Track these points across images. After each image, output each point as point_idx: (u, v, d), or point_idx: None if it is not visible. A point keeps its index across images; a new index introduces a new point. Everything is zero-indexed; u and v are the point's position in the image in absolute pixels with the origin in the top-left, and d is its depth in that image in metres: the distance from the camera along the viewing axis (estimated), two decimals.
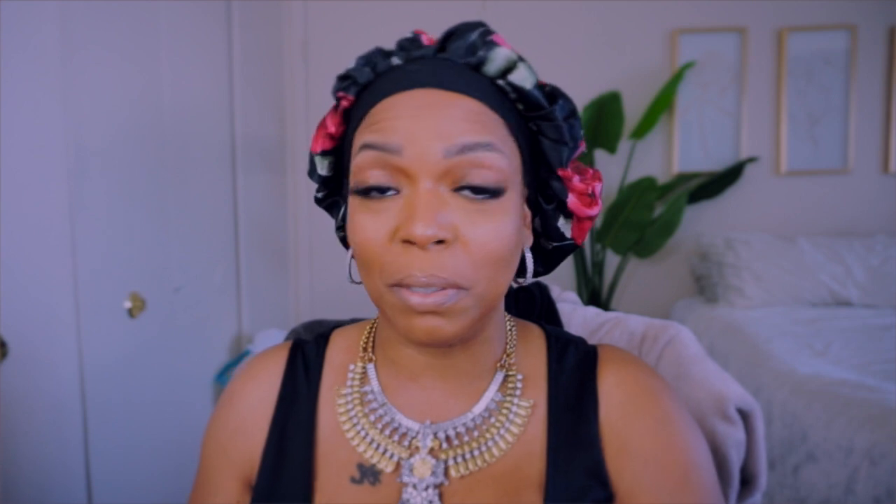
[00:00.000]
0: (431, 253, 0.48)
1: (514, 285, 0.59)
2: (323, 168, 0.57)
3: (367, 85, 0.53)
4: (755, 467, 0.68)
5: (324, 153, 0.56)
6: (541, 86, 0.53)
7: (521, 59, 0.52)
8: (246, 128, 2.13)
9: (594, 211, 0.56)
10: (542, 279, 0.77)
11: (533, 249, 0.60)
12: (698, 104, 2.70)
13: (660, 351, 0.73)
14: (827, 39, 2.64)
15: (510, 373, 0.58)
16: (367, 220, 0.50)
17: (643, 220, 2.49)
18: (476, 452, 0.54)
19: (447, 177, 0.49)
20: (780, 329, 2.16)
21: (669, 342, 0.73)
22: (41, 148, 1.19)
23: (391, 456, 0.55)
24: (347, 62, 0.56)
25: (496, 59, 0.51)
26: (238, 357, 2.07)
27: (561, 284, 1.76)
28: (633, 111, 2.63)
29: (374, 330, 0.62)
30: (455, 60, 0.52)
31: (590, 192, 0.56)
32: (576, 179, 0.55)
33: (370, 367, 0.59)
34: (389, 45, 0.55)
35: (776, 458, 1.67)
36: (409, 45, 0.53)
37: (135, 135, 1.48)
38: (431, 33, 0.55)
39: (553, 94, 0.53)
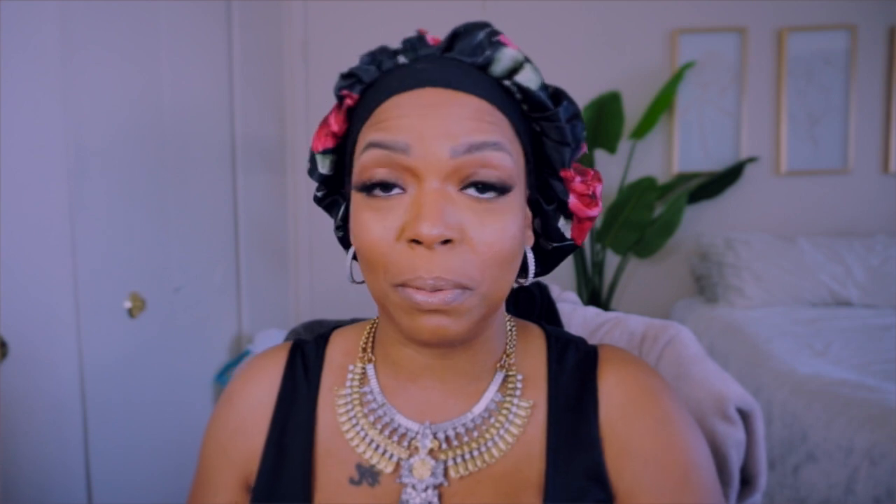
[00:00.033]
0: (437, 253, 0.47)
1: (515, 285, 0.59)
2: (324, 167, 0.57)
3: (371, 83, 0.53)
4: (755, 467, 0.68)
5: (325, 151, 0.56)
6: (545, 87, 0.53)
7: (527, 59, 0.52)
8: (246, 128, 2.13)
9: (595, 212, 0.57)
10: (542, 279, 0.77)
11: (532, 250, 0.60)
12: (698, 104, 2.69)
13: (660, 351, 0.73)
14: (827, 39, 2.64)
15: (510, 373, 0.57)
16: (371, 218, 0.50)
17: (643, 220, 2.49)
18: (476, 453, 0.54)
19: (454, 176, 0.48)
20: (780, 329, 2.16)
21: (669, 342, 0.73)
22: (41, 148, 1.19)
23: (390, 456, 0.55)
24: (347, 62, 0.56)
25: (503, 60, 0.51)
26: (238, 357, 2.07)
27: (561, 284, 1.75)
28: (633, 111, 2.62)
29: (373, 330, 0.62)
30: (462, 60, 0.52)
31: (591, 193, 0.56)
32: (577, 180, 0.55)
33: (370, 367, 0.59)
34: (390, 45, 0.55)
35: (776, 458, 1.67)
36: (416, 43, 0.53)
37: (135, 135, 1.48)
38: (432, 33, 0.55)
39: (557, 96, 0.54)
